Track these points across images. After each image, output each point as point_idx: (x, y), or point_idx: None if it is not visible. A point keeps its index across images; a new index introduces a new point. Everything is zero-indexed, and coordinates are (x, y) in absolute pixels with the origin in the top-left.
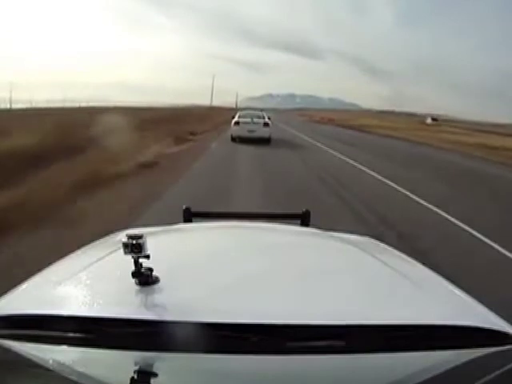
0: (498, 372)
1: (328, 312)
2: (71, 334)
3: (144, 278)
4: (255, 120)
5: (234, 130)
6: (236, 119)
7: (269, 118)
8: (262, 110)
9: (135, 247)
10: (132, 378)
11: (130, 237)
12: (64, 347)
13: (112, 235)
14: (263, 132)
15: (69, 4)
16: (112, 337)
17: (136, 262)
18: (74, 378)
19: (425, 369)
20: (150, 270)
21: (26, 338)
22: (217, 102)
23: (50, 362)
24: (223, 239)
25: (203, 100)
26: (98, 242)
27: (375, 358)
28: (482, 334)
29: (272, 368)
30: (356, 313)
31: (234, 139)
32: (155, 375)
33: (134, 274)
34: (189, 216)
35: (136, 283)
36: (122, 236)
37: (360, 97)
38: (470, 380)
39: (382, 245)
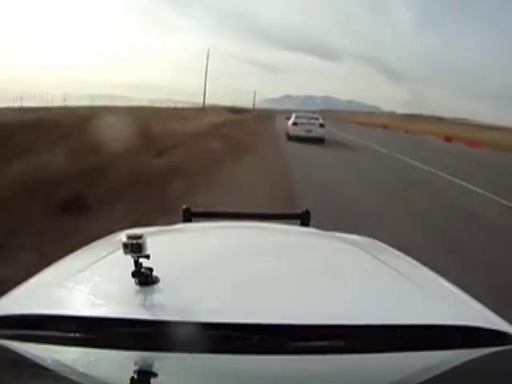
0: (498, 372)
1: (328, 312)
2: (71, 334)
3: (144, 278)
4: (311, 121)
5: (292, 130)
6: (294, 120)
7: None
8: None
9: (135, 247)
10: (132, 378)
11: (130, 237)
12: (64, 347)
13: (112, 235)
14: (319, 132)
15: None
16: (112, 337)
17: (136, 262)
18: (74, 378)
19: (425, 369)
20: (150, 269)
21: (26, 337)
22: (235, 103)
23: (50, 361)
24: (223, 239)
25: (222, 100)
26: (98, 242)
27: (375, 358)
28: (483, 334)
29: (272, 368)
30: (356, 313)
31: (290, 138)
32: (155, 375)
33: (133, 274)
34: (188, 216)
35: (136, 283)
36: (122, 236)
37: (380, 99)
38: (471, 380)
39: (382, 245)
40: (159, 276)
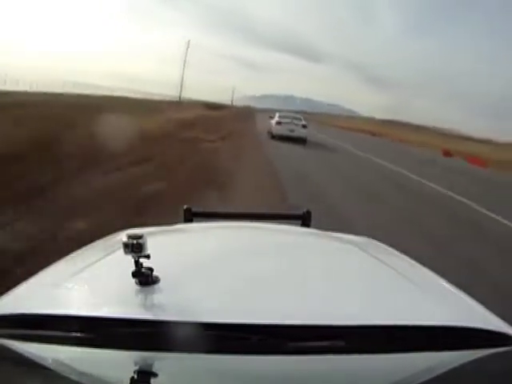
0: (498, 373)
1: (328, 312)
2: (71, 334)
3: (144, 278)
4: (295, 121)
5: (276, 129)
6: (277, 119)
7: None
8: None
9: (135, 247)
10: (132, 378)
11: (130, 237)
12: (64, 347)
13: (112, 235)
14: (302, 133)
15: None
16: (112, 337)
17: (136, 262)
18: (74, 377)
19: (425, 370)
20: (151, 269)
21: (26, 337)
22: (214, 99)
23: (50, 361)
24: (223, 239)
25: (201, 95)
26: (98, 242)
27: (375, 358)
28: (482, 335)
29: (272, 368)
30: (356, 313)
31: (274, 137)
32: (155, 375)
33: (134, 274)
34: (189, 216)
35: (136, 283)
36: (122, 236)
37: (359, 104)
38: (470, 381)
39: (382, 245)
40: (159, 276)
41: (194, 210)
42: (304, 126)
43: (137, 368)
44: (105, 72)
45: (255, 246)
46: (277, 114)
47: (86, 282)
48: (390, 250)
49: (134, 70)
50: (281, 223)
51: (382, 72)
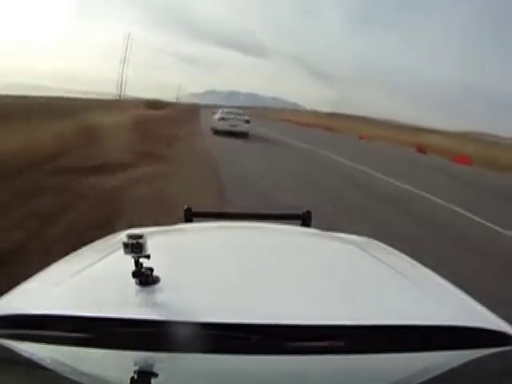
0: (498, 373)
1: (328, 312)
2: (71, 334)
3: (144, 278)
4: (238, 117)
5: (220, 125)
6: (220, 115)
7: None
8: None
9: (135, 247)
10: (132, 378)
11: (131, 237)
12: (64, 347)
13: (112, 235)
14: (244, 127)
15: None
16: (112, 337)
17: (136, 262)
18: (74, 377)
19: (425, 369)
20: (151, 269)
21: (26, 337)
22: (158, 96)
23: (50, 361)
24: (224, 239)
25: (145, 93)
26: (98, 242)
27: (375, 358)
28: (483, 335)
29: (272, 368)
30: (356, 313)
31: (217, 132)
32: (155, 375)
33: (134, 274)
34: (189, 216)
35: (136, 283)
36: (123, 236)
37: (303, 98)
38: (471, 381)
39: (382, 245)
40: (160, 276)
41: (194, 210)
42: (247, 121)
43: (137, 368)
44: (45, 72)
45: (255, 246)
46: (220, 110)
47: (86, 281)
48: (390, 249)
49: (75, 69)
50: (281, 223)
51: (325, 68)
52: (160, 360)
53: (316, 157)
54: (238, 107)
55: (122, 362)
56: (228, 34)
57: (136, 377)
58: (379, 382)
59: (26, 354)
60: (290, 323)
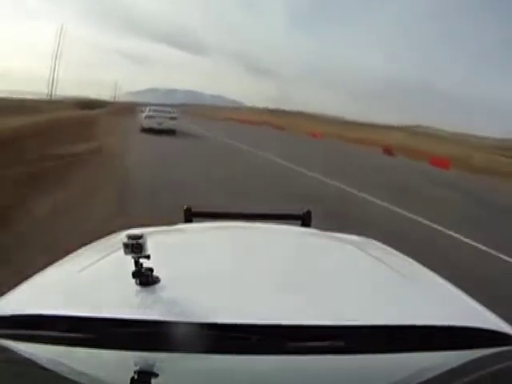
0: (498, 373)
1: (328, 312)
2: (71, 334)
3: (144, 278)
4: (165, 114)
5: (146, 123)
6: (147, 113)
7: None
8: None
9: (135, 247)
10: (132, 378)
11: (130, 237)
12: (64, 347)
13: (112, 235)
14: (170, 125)
15: None
16: (112, 337)
17: (136, 262)
18: (73, 377)
19: (425, 369)
20: (151, 270)
21: (26, 337)
22: (94, 95)
23: (50, 362)
24: (223, 240)
25: (80, 92)
26: (98, 242)
27: (375, 358)
28: (482, 335)
29: (272, 368)
30: (356, 313)
31: (144, 130)
32: (155, 375)
33: (134, 274)
34: (189, 216)
35: (136, 283)
36: (123, 236)
37: (242, 95)
38: (471, 381)
39: (382, 245)
40: (159, 276)
41: (194, 210)
42: (172, 118)
43: (137, 368)
44: None
45: (255, 246)
46: (147, 108)
47: (85, 282)
48: (390, 249)
49: (4, 67)
50: (281, 223)
51: (264, 65)
52: (160, 360)
53: (274, 170)
54: (179, 105)
55: (121, 362)
56: (166, 29)
57: (136, 377)
58: (379, 382)
59: (26, 354)
60: (290, 323)
